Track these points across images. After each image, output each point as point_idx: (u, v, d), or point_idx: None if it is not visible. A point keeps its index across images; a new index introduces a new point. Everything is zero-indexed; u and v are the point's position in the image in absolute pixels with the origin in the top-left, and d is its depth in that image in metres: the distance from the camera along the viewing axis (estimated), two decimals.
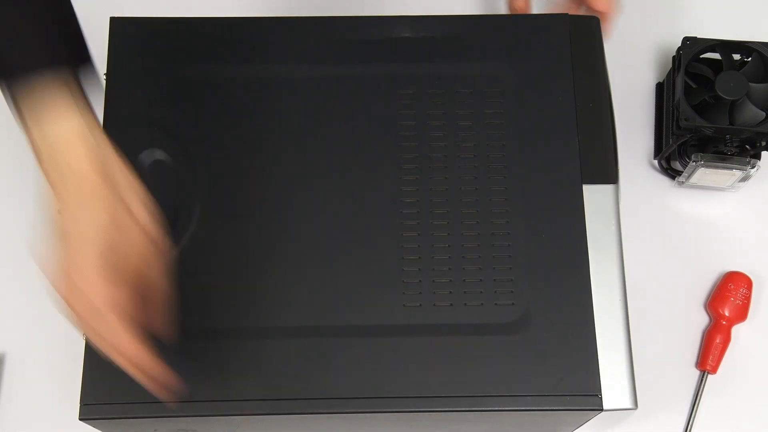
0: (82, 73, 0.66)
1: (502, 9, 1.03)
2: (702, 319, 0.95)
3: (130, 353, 0.63)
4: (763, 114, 0.90)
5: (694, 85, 0.93)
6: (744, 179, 0.94)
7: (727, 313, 0.93)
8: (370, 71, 0.83)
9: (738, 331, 0.94)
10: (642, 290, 0.93)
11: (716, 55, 0.93)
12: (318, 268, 0.77)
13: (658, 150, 1.00)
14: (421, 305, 0.76)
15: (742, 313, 0.93)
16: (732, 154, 0.92)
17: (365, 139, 0.80)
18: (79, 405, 0.73)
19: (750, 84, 0.90)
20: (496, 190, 0.79)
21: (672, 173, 0.98)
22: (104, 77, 0.82)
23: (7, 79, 0.63)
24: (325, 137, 0.81)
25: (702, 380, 0.92)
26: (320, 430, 0.81)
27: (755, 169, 0.92)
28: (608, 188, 0.79)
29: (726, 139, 0.91)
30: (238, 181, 0.79)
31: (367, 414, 0.74)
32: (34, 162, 0.65)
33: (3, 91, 0.64)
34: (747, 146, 0.92)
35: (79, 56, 0.66)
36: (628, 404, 0.73)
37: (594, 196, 0.79)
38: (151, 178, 0.79)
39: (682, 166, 0.96)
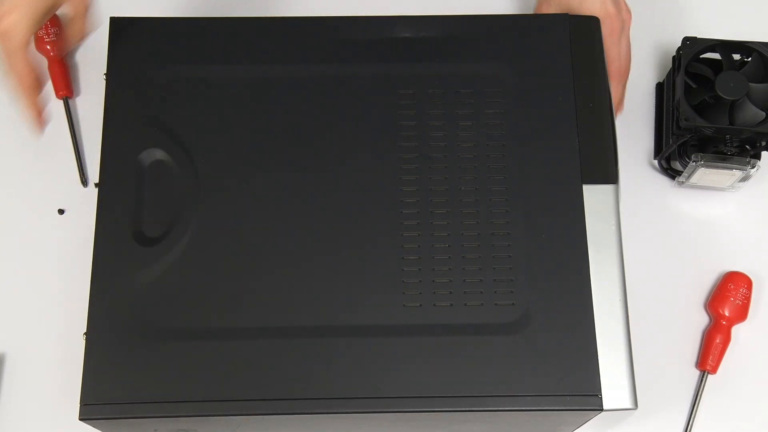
0: None
1: (502, 9, 1.04)
2: (702, 319, 0.95)
3: (23, 74, 0.74)
4: (763, 114, 0.90)
5: (694, 85, 0.93)
6: (744, 179, 0.94)
7: (727, 313, 0.93)
8: (370, 71, 0.83)
9: (738, 331, 0.94)
10: (642, 290, 0.93)
11: (716, 55, 0.93)
12: (318, 268, 0.77)
13: (658, 150, 1.00)
14: (421, 305, 0.76)
15: (742, 313, 0.93)
16: (732, 154, 0.92)
17: (365, 139, 0.80)
18: (79, 405, 0.73)
19: (750, 84, 0.90)
20: (496, 190, 0.79)
21: (672, 173, 0.98)
22: (104, 77, 0.83)
23: None
24: (325, 137, 0.81)
25: (702, 380, 0.92)
26: (320, 430, 0.81)
27: (755, 169, 0.92)
28: (608, 188, 0.79)
29: (726, 139, 0.91)
30: (237, 181, 0.79)
31: (366, 414, 0.74)
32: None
33: None
34: (747, 146, 0.92)
35: None
36: (628, 404, 0.73)
37: (594, 196, 0.79)
38: (151, 178, 0.79)
39: (682, 166, 0.96)
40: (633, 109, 1.02)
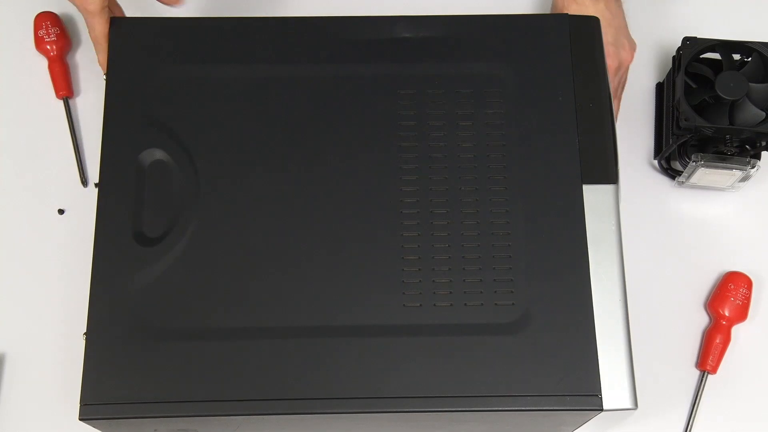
0: None
1: (502, 9, 1.03)
2: (702, 319, 0.95)
3: (100, 34, 0.85)
4: (763, 114, 0.90)
5: (694, 85, 0.93)
6: (744, 179, 0.94)
7: (727, 313, 0.93)
8: (370, 71, 0.83)
9: (738, 331, 0.94)
10: (642, 290, 0.93)
11: (716, 55, 0.93)
12: (318, 268, 0.77)
13: (658, 150, 1.00)
14: (421, 305, 0.76)
15: (742, 313, 0.93)
16: (732, 154, 0.92)
17: (365, 139, 0.80)
18: (79, 405, 0.73)
19: (750, 84, 0.90)
20: (496, 190, 0.79)
21: (672, 173, 0.98)
22: (104, 77, 0.83)
23: None
24: (325, 137, 0.81)
25: (702, 380, 0.92)
26: (320, 430, 0.81)
27: (755, 169, 0.92)
28: (608, 188, 0.79)
29: (726, 139, 0.91)
30: (237, 181, 0.79)
31: (366, 414, 0.74)
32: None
33: None
34: (747, 146, 0.92)
35: None
36: (628, 404, 0.73)
37: (594, 196, 0.79)
38: (151, 178, 0.79)
39: (682, 166, 0.96)
40: (633, 109, 1.02)
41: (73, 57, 1.03)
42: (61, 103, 1.00)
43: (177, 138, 0.80)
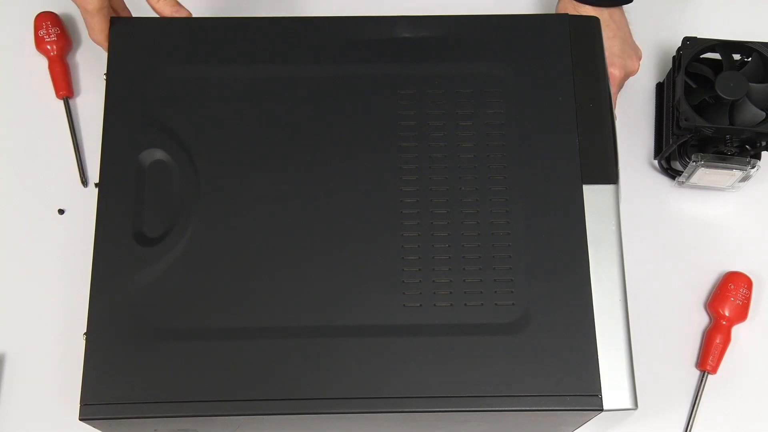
0: None
1: (502, 9, 1.03)
2: (702, 319, 0.95)
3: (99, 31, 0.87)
4: (763, 114, 0.90)
5: (694, 85, 0.93)
6: (744, 179, 0.94)
7: (727, 313, 0.93)
8: (370, 71, 0.83)
9: (738, 331, 0.94)
10: (642, 290, 0.93)
11: (716, 55, 0.93)
12: (318, 268, 0.77)
13: (658, 150, 1.00)
14: (421, 305, 0.76)
15: (742, 313, 0.93)
16: (732, 154, 0.92)
17: (365, 139, 0.80)
18: (79, 405, 0.73)
19: (750, 84, 0.90)
20: (496, 190, 0.79)
21: (672, 173, 0.98)
22: (104, 77, 0.83)
23: None
24: (325, 137, 0.81)
25: (702, 380, 0.92)
26: (320, 430, 0.81)
27: (755, 169, 0.92)
28: (608, 188, 0.79)
29: (726, 139, 0.91)
30: (238, 181, 0.79)
31: (367, 414, 0.74)
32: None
33: None
34: (747, 146, 0.92)
35: None
36: (629, 404, 0.73)
37: (594, 196, 0.79)
38: (151, 177, 0.79)
39: (682, 166, 0.96)
40: (633, 109, 1.02)
41: (73, 57, 1.03)
42: (61, 103, 1.00)
43: (177, 138, 0.80)
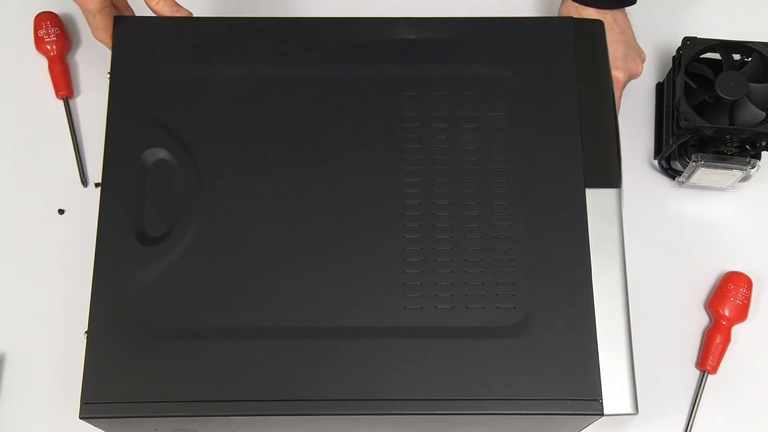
0: None
1: (506, 11, 1.04)
2: (702, 319, 0.95)
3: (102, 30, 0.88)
4: (763, 114, 0.90)
5: (694, 85, 0.93)
6: (744, 179, 0.95)
7: (727, 313, 0.93)
8: (373, 73, 0.83)
9: (738, 331, 0.94)
10: (642, 290, 0.93)
11: (716, 55, 0.93)
12: (319, 269, 0.77)
13: (658, 150, 1.00)
14: (422, 307, 0.76)
15: (742, 313, 0.93)
16: (732, 154, 0.92)
17: (368, 141, 0.80)
18: (79, 404, 0.73)
19: (750, 84, 0.90)
20: (498, 193, 0.79)
21: (672, 173, 0.98)
22: (108, 76, 0.83)
23: None
24: (328, 138, 0.80)
25: (702, 380, 0.92)
26: (320, 431, 0.81)
27: (755, 169, 0.92)
28: (611, 192, 0.79)
29: (726, 139, 0.91)
30: (240, 181, 0.79)
31: (367, 416, 0.74)
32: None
33: None
34: (747, 146, 0.92)
35: None
36: (629, 409, 0.73)
37: (597, 200, 0.79)
38: (153, 177, 0.79)
39: (682, 166, 0.96)
40: (633, 109, 1.02)
41: (73, 57, 1.03)
42: (61, 103, 1.00)
43: (179, 137, 0.80)
